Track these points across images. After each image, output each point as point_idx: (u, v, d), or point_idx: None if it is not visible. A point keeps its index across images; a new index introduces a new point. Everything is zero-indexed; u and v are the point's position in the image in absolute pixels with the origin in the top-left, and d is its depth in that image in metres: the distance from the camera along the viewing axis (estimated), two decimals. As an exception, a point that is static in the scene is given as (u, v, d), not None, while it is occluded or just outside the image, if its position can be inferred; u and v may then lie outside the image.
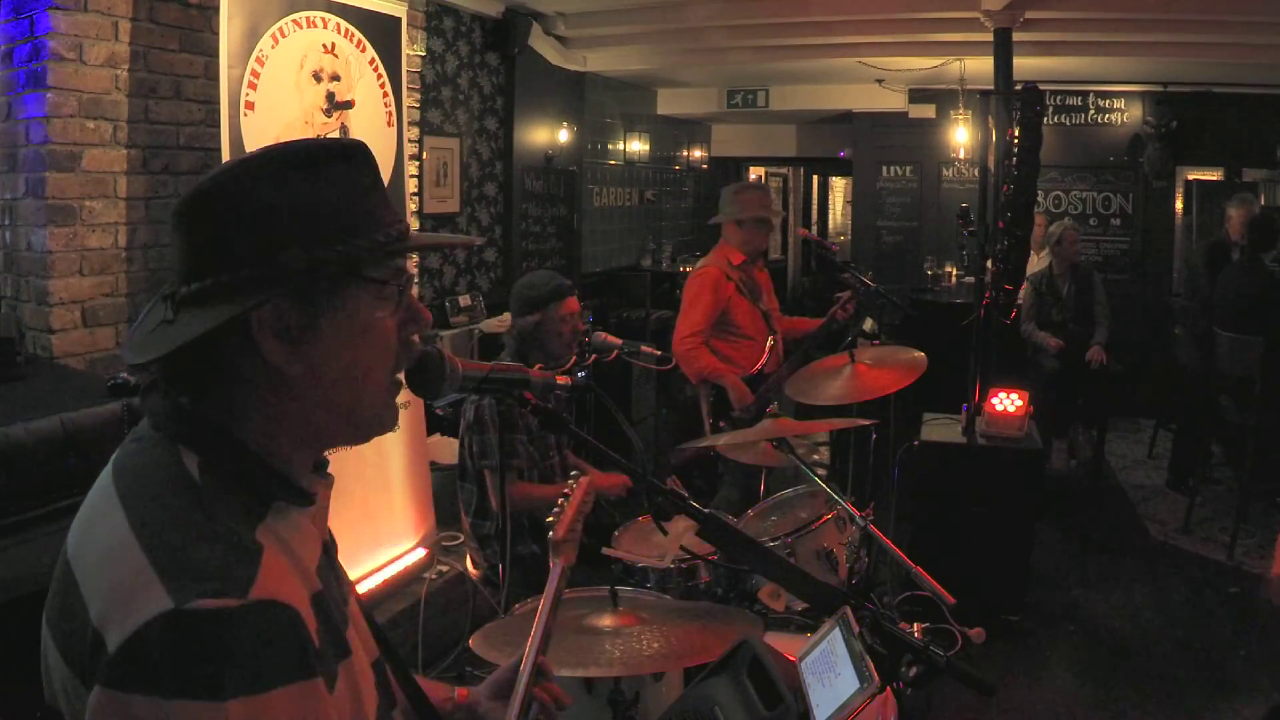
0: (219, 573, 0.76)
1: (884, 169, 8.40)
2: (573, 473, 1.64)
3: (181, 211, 0.87)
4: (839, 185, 13.65)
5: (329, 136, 0.93)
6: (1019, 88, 4.60)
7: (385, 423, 0.96)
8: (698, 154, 9.86)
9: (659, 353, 3.23)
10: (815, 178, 13.59)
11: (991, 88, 5.20)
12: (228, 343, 0.84)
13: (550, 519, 1.54)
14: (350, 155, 0.91)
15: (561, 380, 1.27)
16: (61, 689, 0.80)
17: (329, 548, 0.99)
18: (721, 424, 3.82)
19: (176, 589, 0.73)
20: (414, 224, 4.11)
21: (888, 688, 1.21)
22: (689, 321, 3.87)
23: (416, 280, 4.54)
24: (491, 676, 1.29)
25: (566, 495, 1.59)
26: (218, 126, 2.91)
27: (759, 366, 3.88)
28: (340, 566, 1.01)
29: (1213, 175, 7.40)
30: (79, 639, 0.76)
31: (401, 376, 0.97)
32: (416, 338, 0.97)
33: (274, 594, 0.77)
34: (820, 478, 2.43)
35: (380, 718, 0.95)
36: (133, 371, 0.90)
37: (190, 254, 0.86)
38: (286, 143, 0.91)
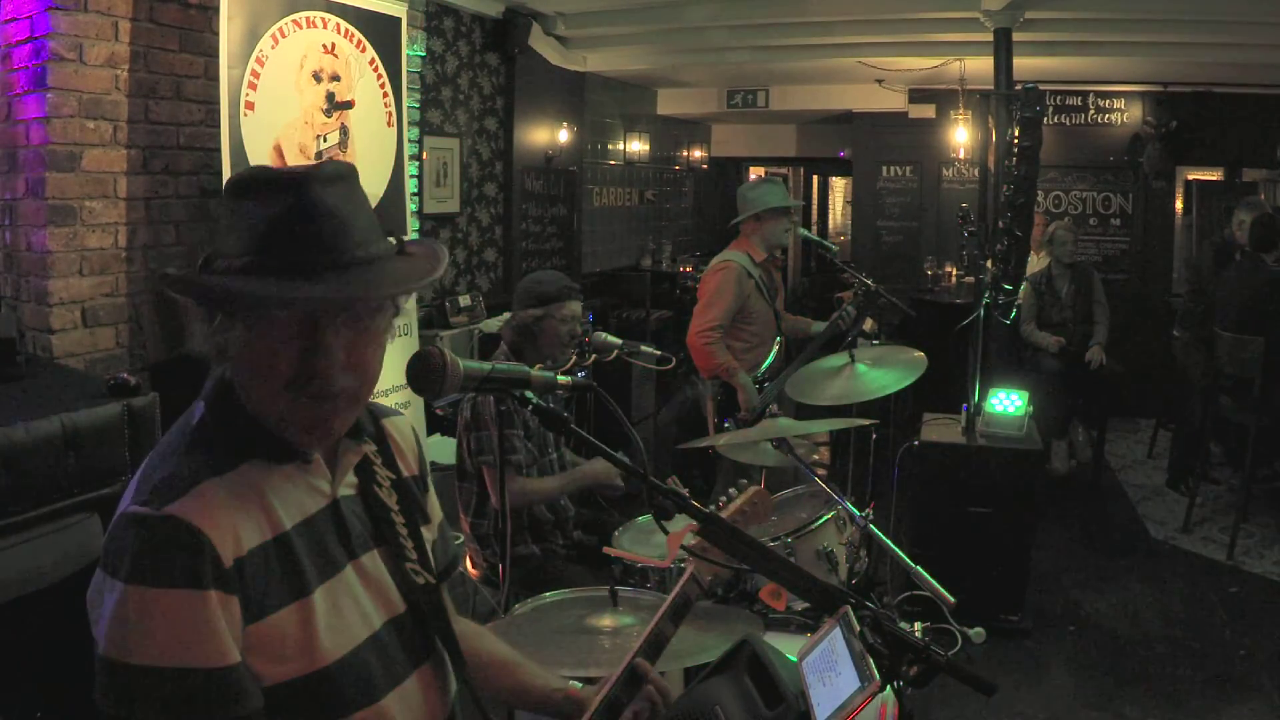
0: (156, 491, 0.98)
1: (884, 169, 8.40)
2: (741, 481, 1.66)
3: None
4: (839, 185, 13.65)
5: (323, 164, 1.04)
6: (1019, 88, 4.61)
7: (295, 433, 1.06)
8: (698, 154, 9.86)
9: (659, 353, 3.23)
10: (815, 178, 13.59)
11: (991, 88, 5.20)
12: (215, 329, 1.02)
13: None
14: (290, 183, 1.03)
15: (562, 380, 1.26)
16: None
17: (355, 500, 1.15)
18: (726, 423, 3.81)
19: (134, 496, 0.99)
20: (413, 224, 4.11)
21: (888, 687, 1.21)
22: (709, 315, 3.82)
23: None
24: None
25: (729, 497, 1.64)
26: (218, 126, 2.91)
27: (765, 367, 3.88)
28: (382, 511, 1.17)
29: (1213, 175, 7.40)
30: None
31: (297, 405, 1.05)
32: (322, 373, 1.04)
33: (184, 514, 0.96)
34: (820, 478, 2.43)
35: (376, 671, 1.08)
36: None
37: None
38: (245, 171, 1.10)
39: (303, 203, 1.01)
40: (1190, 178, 7.38)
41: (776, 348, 3.90)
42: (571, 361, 2.98)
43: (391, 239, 1.12)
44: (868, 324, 4.48)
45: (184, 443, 1.04)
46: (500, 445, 2.63)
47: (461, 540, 2.96)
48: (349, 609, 1.08)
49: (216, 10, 2.89)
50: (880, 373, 3.17)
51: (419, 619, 1.17)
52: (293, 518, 1.06)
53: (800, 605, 2.22)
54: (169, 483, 0.98)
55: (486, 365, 1.21)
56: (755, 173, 12.22)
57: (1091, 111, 7.58)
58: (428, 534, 1.25)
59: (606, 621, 1.83)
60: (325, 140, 3.27)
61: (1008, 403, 3.85)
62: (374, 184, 3.50)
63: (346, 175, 1.08)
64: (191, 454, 1.02)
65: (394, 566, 1.16)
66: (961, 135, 7.59)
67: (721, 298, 3.81)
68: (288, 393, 1.02)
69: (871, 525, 2.35)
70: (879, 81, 7.70)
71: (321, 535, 1.08)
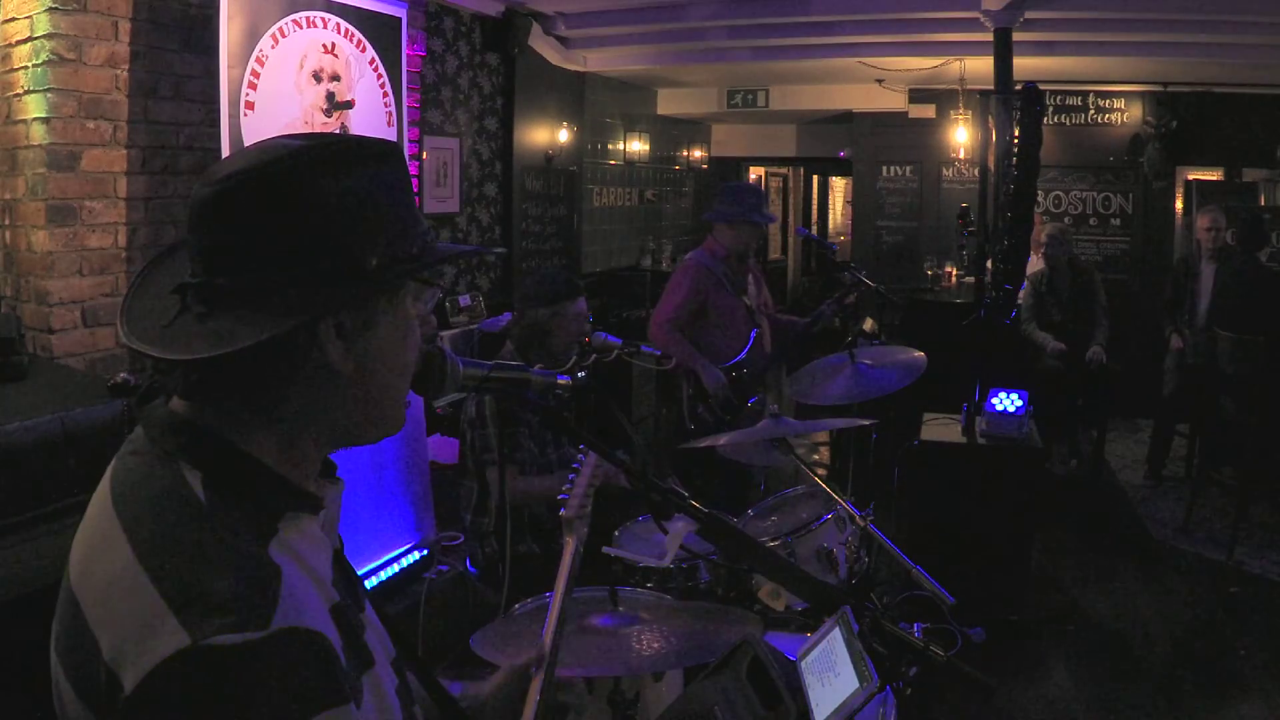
0: (236, 603, 0.71)
1: (884, 169, 8.40)
2: (581, 446, 1.63)
3: (223, 198, 0.80)
4: (839, 185, 13.66)
5: (370, 137, 0.90)
6: (1019, 88, 4.61)
7: (401, 423, 0.94)
8: (698, 154, 9.86)
9: (659, 353, 3.24)
10: (815, 178, 13.60)
11: (991, 88, 5.21)
12: (276, 344, 0.78)
13: (560, 496, 1.57)
14: (395, 156, 0.89)
15: (562, 380, 1.26)
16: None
17: (339, 554, 0.95)
18: (700, 409, 3.91)
19: (193, 623, 0.69)
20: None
21: (887, 687, 1.21)
22: (664, 308, 4.00)
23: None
24: (495, 678, 1.29)
25: (576, 470, 1.60)
26: (218, 126, 2.92)
27: (740, 357, 3.96)
28: (350, 568, 0.99)
29: (1213, 175, 7.40)
30: (91, 674, 0.72)
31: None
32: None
33: (298, 620, 0.73)
34: (820, 478, 2.43)
35: (404, 717, 0.92)
36: (157, 367, 0.84)
37: (231, 244, 0.80)
38: (329, 138, 0.86)
39: (407, 166, 0.92)
40: (1190, 178, 7.38)
41: (753, 340, 3.97)
42: (572, 361, 2.98)
43: None
44: (868, 324, 4.50)
45: (203, 525, 0.76)
46: (503, 443, 2.63)
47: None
48: (384, 667, 0.92)
49: (216, 10, 2.89)
50: (879, 373, 3.18)
51: (409, 654, 1.05)
52: (329, 579, 0.86)
53: (800, 605, 2.22)
54: (246, 586, 0.73)
55: (486, 365, 1.21)
56: (755, 172, 12.22)
57: (1091, 111, 7.58)
58: None
59: (606, 621, 1.83)
60: (325, 140, 3.27)
61: (1008, 403, 3.85)
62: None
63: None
64: (227, 540, 0.76)
65: (376, 609, 1.02)
66: (961, 135, 7.59)
67: (677, 292, 3.98)
68: (408, 384, 0.94)
69: (871, 525, 2.35)
70: (879, 81, 7.70)
71: (347, 593, 0.89)
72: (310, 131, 1.01)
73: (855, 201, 8.85)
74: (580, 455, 1.65)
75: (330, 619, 0.79)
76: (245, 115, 2.95)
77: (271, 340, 0.77)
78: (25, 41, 2.94)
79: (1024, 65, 5.56)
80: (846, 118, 8.63)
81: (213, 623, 0.69)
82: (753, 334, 3.98)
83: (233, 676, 0.68)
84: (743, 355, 3.95)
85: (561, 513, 1.55)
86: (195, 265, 0.82)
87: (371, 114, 3.46)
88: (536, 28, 6.25)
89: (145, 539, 0.75)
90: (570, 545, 1.49)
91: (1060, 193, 7.69)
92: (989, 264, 4.39)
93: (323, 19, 3.21)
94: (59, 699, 0.79)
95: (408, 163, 0.92)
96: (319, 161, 0.81)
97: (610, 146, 8.02)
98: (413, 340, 0.91)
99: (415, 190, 0.87)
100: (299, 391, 0.83)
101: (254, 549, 0.76)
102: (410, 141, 3.89)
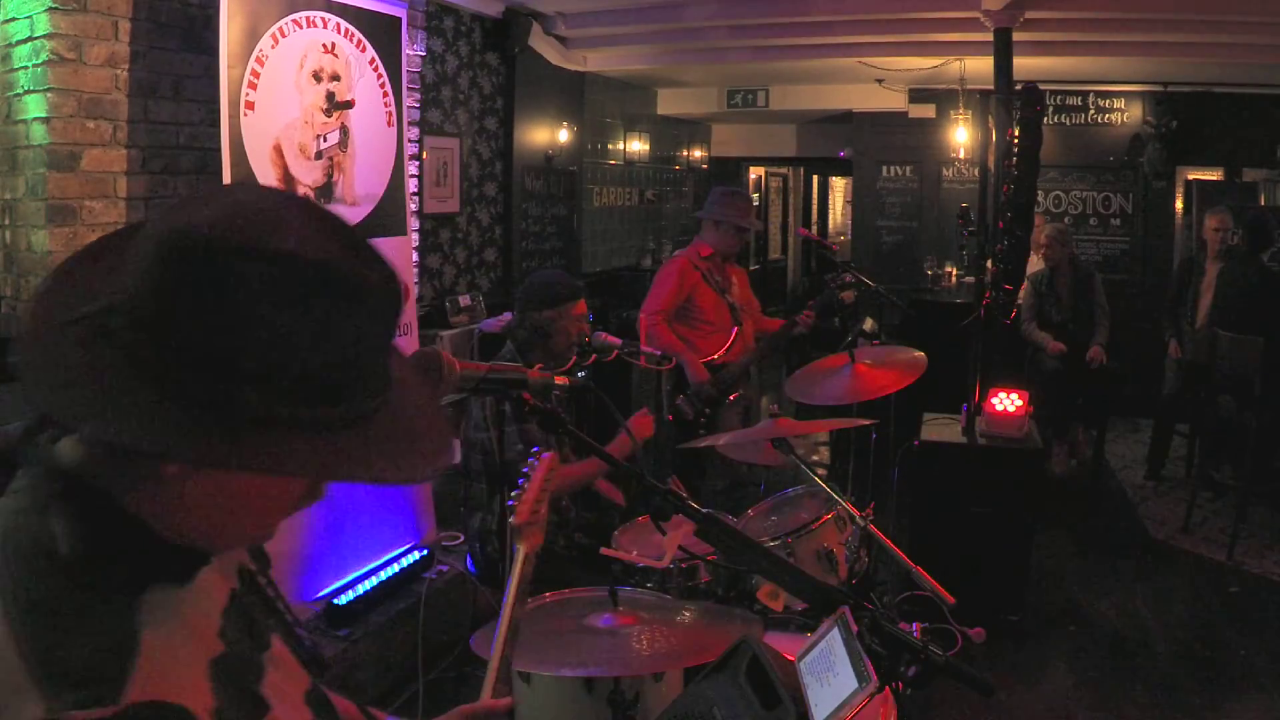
0: (89, 676, 0.67)
1: (884, 169, 8.40)
2: (534, 449, 1.62)
3: (174, 258, 0.70)
4: (839, 185, 13.66)
5: (363, 254, 0.74)
6: (1019, 88, 4.61)
7: (260, 543, 0.88)
8: (698, 154, 9.85)
9: (659, 353, 3.24)
10: (815, 178, 13.60)
11: (991, 88, 5.20)
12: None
13: (510, 503, 1.53)
14: (372, 293, 0.75)
15: (560, 380, 1.27)
16: None
17: (241, 593, 0.89)
18: (679, 401, 4.07)
19: (50, 694, 0.66)
20: (413, 224, 4.11)
21: (886, 688, 1.21)
22: (653, 301, 4.16)
23: (416, 279, 4.54)
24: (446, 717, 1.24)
25: (526, 475, 1.56)
26: (218, 126, 2.91)
27: (722, 353, 4.11)
28: (258, 602, 0.93)
29: (1213, 175, 7.40)
30: None
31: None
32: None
33: (153, 693, 0.69)
34: (820, 478, 2.43)
35: None
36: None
37: (139, 291, 0.71)
38: (316, 253, 0.72)
39: (390, 312, 0.78)
40: (1190, 178, 7.38)
41: (735, 336, 4.11)
42: (571, 362, 2.99)
43: None
44: (868, 324, 4.53)
45: (68, 585, 0.71)
46: (505, 444, 2.64)
47: None
48: (290, 709, 0.88)
49: (216, 10, 2.88)
50: (879, 374, 3.17)
51: (319, 681, 1.00)
52: (215, 631, 0.81)
53: (800, 605, 2.22)
54: (101, 657, 0.69)
55: (485, 366, 1.21)
56: (755, 172, 12.23)
57: (1091, 111, 7.58)
58: None
59: (606, 621, 1.83)
60: (325, 140, 3.27)
61: (1008, 403, 3.85)
62: (374, 184, 3.50)
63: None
64: (88, 603, 0.71)
65: (291, 639, 0.96)
66: (961, 135, 7.58)
67: (664, 287, 4.13)
68: (263, 533, 0.84)
69: (871, 525, 2.35)
70: (879, 81, 7.70)
71: (239, 640, 0.84)
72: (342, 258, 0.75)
73: (855, 201, 8.84)
74: (532, 455, 1.62)
75: (207, 675, 0.76)
76: (245, 115, 2.95)
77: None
78: (25, 41, 2.94)
79: (1024, 65, 5.55)
80: (846, 118, 8.63)
81: (68, 696, 0.66)
82: (734, 332, 4.12)
83: None
84: (724, 352, 4.08)
85: (511, 520, 1.51)
86: (106, 304, 0.76)
87: (371, 114, 3.46)
88: (536, 28, 6.25)
89: (13, 598, 0.70)
90: (521, 552, 1.46)
91: (1060, 193, 7.69)
92: (989, 264, 4.39)
93: (323, 19, 3.21)
94: None
95: (392, 301, 0.79)
96: (268, 273, 0.71)
97: (610, 146, 8.01)
98: (274, 505, 0.80)
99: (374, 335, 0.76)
100: (152, 479, 0.75)
101: (117, 613, 0.72)
102: (410, 141, 3.89)
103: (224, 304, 0.69)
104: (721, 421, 4.06)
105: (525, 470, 1.58)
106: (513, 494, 1.54)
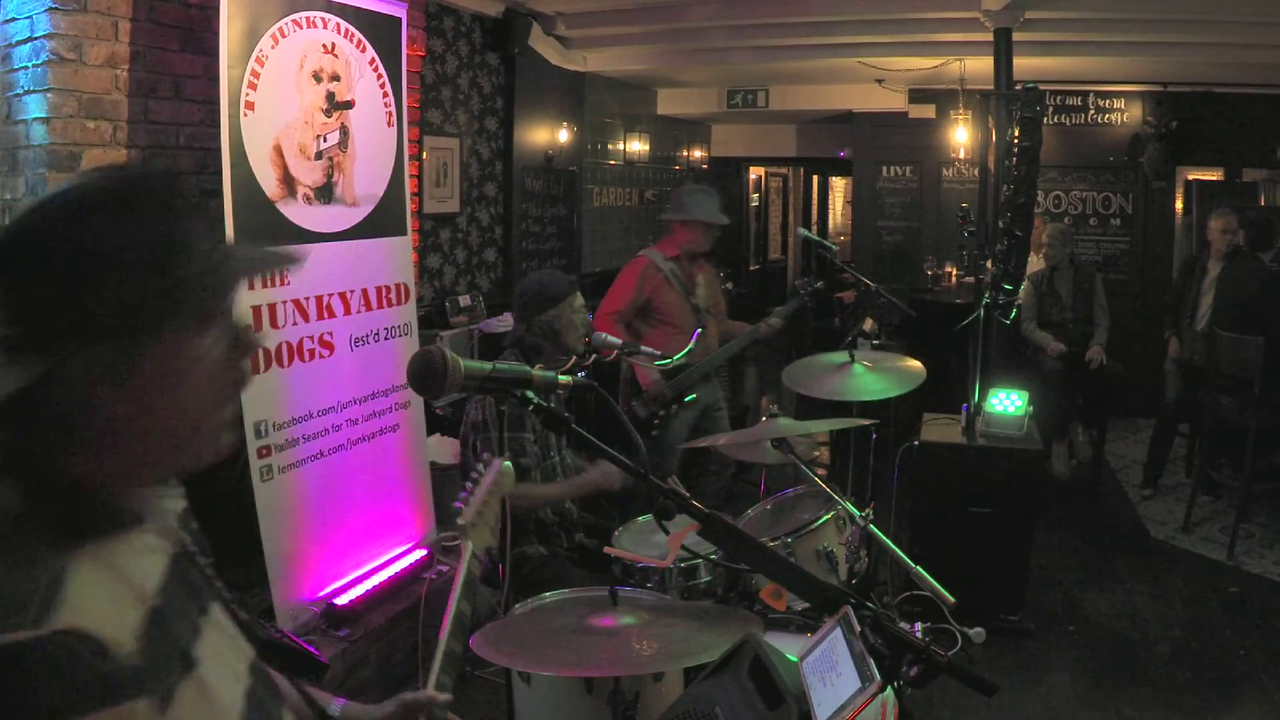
0: (15, 604, 0.74)
1: (884, 169, 8.41)
2: (484, 455, 1.66)
3: (2, 251, 0.84)
4: (839, 185, 13.67)
5: (140, 167, 0.93)
6: (1019, 88, 4.61)
7: (217, 450, 0.95)
8: (698, 154, 9.86)
9: (659, 352, 3.25)
10: (815, 178, 13.61)
11: (991, 88, 5.20)
12: (51, 387, 0.82)
13: (457, 504, 1.59)
14: (154, 188, 0.90)
15: (562, 380, 1.27)
16: None
17: (182, 557, 0.97)
18: (634, 402, 4.07)
19: None
20: (414, 224, 4.11)
21: (888, 687, 1.21)
22: (608, 302, 4.15)
23: (416, 280, 4.54)
24: (385, 705, 1.30)
25: (474, 479, 1.61)
26: (218, 126, 2.91)
27: (682, 354, 4.05)
28: (199, 571, 1.00)
29: (1213, 175, 7.40)
30: None
31: (233, 405, 0.95)
32: (251, 362, 0.95)
33: (72, 623, 0.76)
34: (820, 478, 2.43)
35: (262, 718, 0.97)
36: None
37: (9, 297, 0.84)
38: (88, 181, 0.88)
39: (178, 194, 0.93)
40: (1190, 178, 7.39)
41: (695, 339, 4.07)
42: (572, 361, 2.99)
43: None
44: (867, 324, 4.53)
45: (12, 534, 0.80)
46: (508, 447, 2.65)
47: None
48: (223, 670, 0.96)
49: (216, 10, 2.88)
50: (876, 377, 3.18)
51: (264, 659, 1.06)
52: (150, 585, 0.89)
53: (800, 605, 2.22)
54: (30, 588, 0.77)
55: (487, 365, 1.21)
56: (755, 173, 12.23)
57: (1091, 111, 7.59)
58: None
59: (606, 621, 1.83)
60: (325, 140, 3.27)
61: (1008, 403, 3.85)
62: (374, 184, 3.50)
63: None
64: (27, 546, 0.80)
65: (229, 612, 1.03)
66: (961, 135, 7.59)
67: (623, 288, 4.13)
68: (221, 409, 0.93)
69: (871, 525, 2.35)
70: (879, 81, 7.70)
71: (176, 598, 0.92)
72: (105, 167, 1.00)
73: (855, 201, 8.85)
74: (481, 463, 1.68)
75: (136, 622, 0.83)
76: (245, 115, 2.95)
77: (33, 388, 0.81)
78: (25, 41, 2.94)
79: (1024, 65, 5.56)
80: (846, 118, 8.63)
81: None
82: (695, 333, 4.09)
83: (5, 673, 0.72)
84: (685, 354, 4.05)
85: (457, 521, 1.55)
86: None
87: (371, 114, 3.46)
88: (536, 28, 6.25)
89: None
90: (465, 551, 1.49)
91: (1060, 193, 7.70)
92: (989, 264, 4.39)
93: (323, 19, 3.21)
94: None
95: (168, 192, 0.91)
96: (50, 215, 0.85)
97: (610, 146, 8.02)
98: (196, 376, 0.89)
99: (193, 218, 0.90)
100: (90, 427, 0.85)
101: (47, 558, 0.79)
102: (410, 141, 3.89)
103: (46, 248, 0.84)
104: (674, 424, 4.06)
105: (474, 475, 1.61)
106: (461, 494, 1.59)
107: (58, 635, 0.75)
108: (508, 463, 1.70)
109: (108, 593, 0.82)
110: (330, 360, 3.27)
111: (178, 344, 0.87)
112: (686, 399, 4.07)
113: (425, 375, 1.16)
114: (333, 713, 1.24)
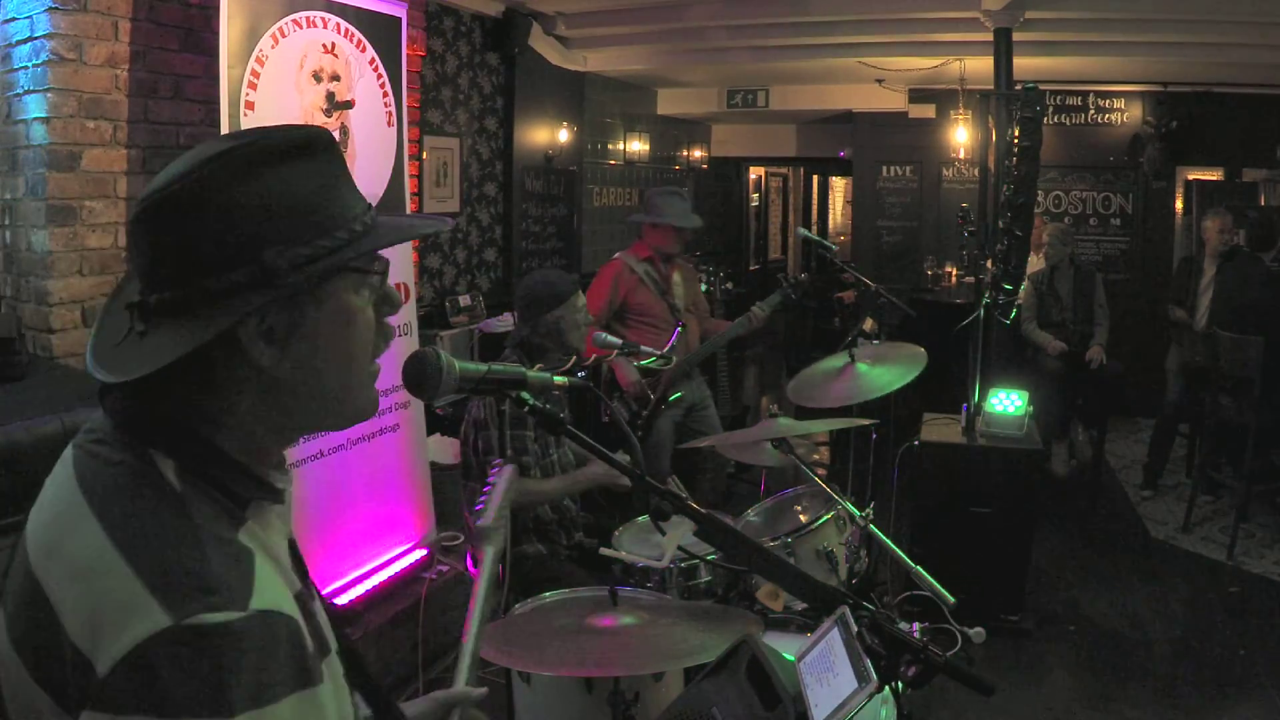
0: (217, 584, 0.73)
1: (884, 169, 8.40)
2: (495, 460, 1.66)
3: (145, 216, 0.81)
4: (839, 185, 13.66)
5: (294, 125, 0.87)
6: (1019, 88, 4.60)
7: (369, 409, 0.94)
8: (698, 154, 9.85)
9: (658, 352, 3.25)
10: (815, 178, 13.60)
11: (991, 88, 5.20)
12: (212, 350, 0.80)
13: (477, 507, 1.59)
14: (317, 145, 0.88)
15: (558, 380, 1.27)
16: (24, 712, 0.76)
17: (293, 543, 0.97)
18: (613, 401, 4.08)
19: (173, 603, 0.71)
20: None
21: (887, 687, 1.21)
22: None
23: (416, 280, 4.54)
24: (419, 702, 1.29)
25: (492, 483, 1.62)
26: (218, 126, 2.91)
27: (659, 354, 4.05)
28: (301, 558, 1.00)
29: (1213, 175, 7.40)
30: (55, 660, 0.73)
31: (379, 363, 0.95)
32: (393, 320, 0.95)
33: (272, 603, 0.76)
34: (820, 478, 2.43)
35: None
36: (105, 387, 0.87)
37: (158, 259, 0.82)
38: (248, 137, 0.84)
39: (338, 153, 0.90)
40: (1190, 178, 7.38)
41: (675, 336, 4.09)
42: (572, 361, 2.99)
43: None
44: (867, 324, 4.53)
45: (179, 511, 0.78)
46: (510, 445, 2.65)
47: None
48: (332, 657, 0.94)
49: (216, 10, 2.88)
50: (881, 371, 3.17)
51: (347, 645, 1.05)
52: (289, 565, 0.90)
53: (799, 605, 2.22)
54: (225, 569, 0.76)
55: (483, 366, 1.21)
56: (755, 172, 12.22)
57: (1091, 111, 7.58)
58: None
59: (606, 621, 1.83)
60: (325, 140, 3.27)
61: (1008, 403, 3.85)
62: (374, 184, 3.50)
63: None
64: (203, 526, 0.78)
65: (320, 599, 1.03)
66: (961, 135, 7.58)
67: (597, 292, 4.12)
68: (372, 366, 0.92)
69: (871, 525, 2.35)
70: (879, 81, 7.70)
71: (301, 581, 0.93)
72: (243, 130, 0.95)
73: (855, 201, 8.85)
74: (495, 466, 1.68)
75: (295, 604, 0.82)
76: (245, 115, 2.95)
77: (196, 353, 0.79)
78: (25, 41, 2.94)
79: (1024, 65, 5.56)
80: (846, 118, 8.63)
81: (194, 603, 0.71)
82: (675, 332, 4.11)
83: (214, 654, 0.70)
84: (662, 352, 4.04)
85: (478, 523, 1.56)
86: (138, 283, 0.85)
87: (371, 114, 3.46)
88: (536, 28, 6.25)
89: (119, 524, 0.76)
90: (487, 554, 1.50)
91: (1060, 193, 7.69)
92: (989, 264, 4.39)
93: (323, 19, 3.21)
94: (7, 683, 0.79)
95: (331, 150, 0.89)
96: (225, 167, 0.81)
97: (610, 146, 8.02)
98: (356, 331, 0.89)
99: (343, 175, 0.88)
100: (246, 393, 0.84)
101: (228, 534, 0.79)
102: (410, 141, 3.89)
103: (216, 202, 0.81)
104: (659, 423, 4.06)
105: (490, 480, 1.62)
106: (480, 498, 1.60)
107: (263, 615, 0.75)
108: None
109: (275, 575, 0.82)
110: (330, 360, 3.27)
111: (340, 301, 0.87)
112: (671, 398, 4.08)
113: (420, 376, 1.16)
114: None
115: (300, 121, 3.17)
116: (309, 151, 0.86)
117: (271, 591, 0.78)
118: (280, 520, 0.91)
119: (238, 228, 0.80)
